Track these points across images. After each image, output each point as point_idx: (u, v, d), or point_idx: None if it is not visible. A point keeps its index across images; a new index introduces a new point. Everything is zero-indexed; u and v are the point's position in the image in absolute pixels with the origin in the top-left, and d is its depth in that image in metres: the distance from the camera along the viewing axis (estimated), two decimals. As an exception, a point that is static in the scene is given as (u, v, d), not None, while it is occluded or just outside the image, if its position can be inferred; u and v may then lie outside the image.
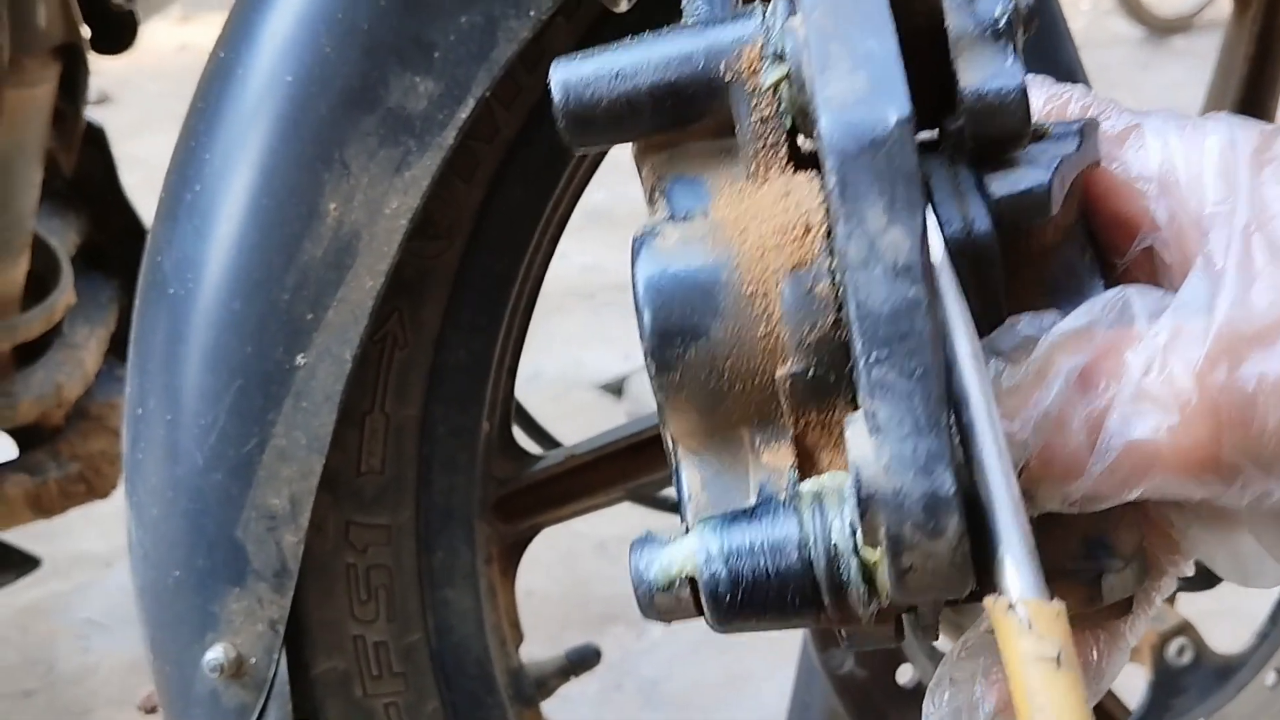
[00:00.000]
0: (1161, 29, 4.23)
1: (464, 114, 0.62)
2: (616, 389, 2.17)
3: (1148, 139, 0.34)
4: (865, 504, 0.27)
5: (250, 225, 0.62)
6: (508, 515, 0.78)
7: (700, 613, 0.31)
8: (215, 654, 0.64)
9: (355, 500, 0.70)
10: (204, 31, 3.58)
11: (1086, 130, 0.33)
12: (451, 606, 0.73)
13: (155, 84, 3.20)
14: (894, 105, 0.28)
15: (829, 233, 0.30)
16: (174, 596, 0.65)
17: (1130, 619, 0.36)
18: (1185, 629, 0.96)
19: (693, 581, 0.30)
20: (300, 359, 0.62)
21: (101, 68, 1.00)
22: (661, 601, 0.31)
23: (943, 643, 0.82)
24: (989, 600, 0.28)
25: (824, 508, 0.30)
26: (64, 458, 1.00)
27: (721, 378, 0.31)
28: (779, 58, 0.31)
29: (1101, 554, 0.33)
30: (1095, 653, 0.36)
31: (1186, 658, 0.95)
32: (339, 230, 0.62)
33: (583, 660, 0.81)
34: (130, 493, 0.67)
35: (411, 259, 0.67)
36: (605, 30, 0.70)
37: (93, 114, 1.03)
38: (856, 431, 0.28)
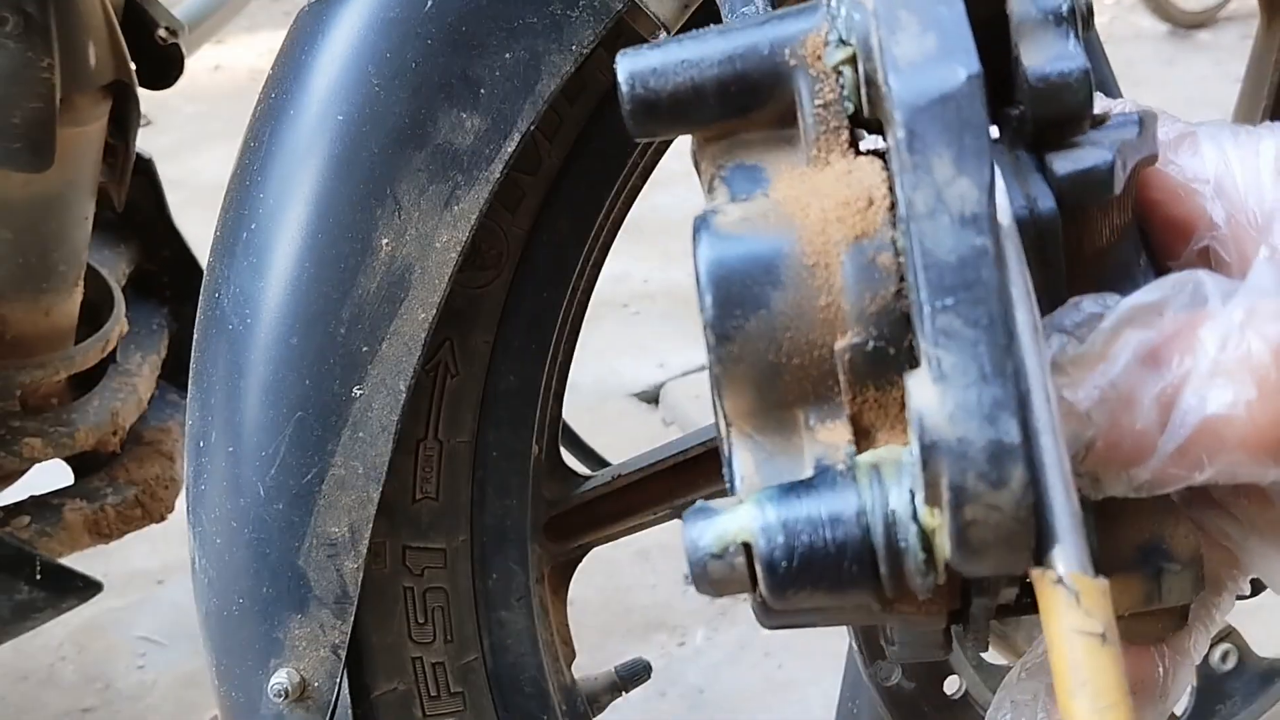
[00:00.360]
0: (1186, 23, 4.19)
1: (510, 148, 0.63)
2: (652, 397, 2.18)
3: (1202, 144, 0.35)
4: (927, 452, 0.27)
5: (306, 261, 0.64)
6: (558, 535, 0.79)
7: (753, 584, 0.30)
8: (280, 679, 0.66)
9: (412, 526, 0.72)
10: (237, 52, 3.62)
11: (1145, 119, 0.34)
12: (507, 627, 0.74)
13: (192, 105, 3.24)
14: (963, 63, 0.28)
15: (892, 206, 0.30)
16: (239, 624, 0.67)
17: (1193, 635, 0.36)
18: (1229, 634, 0.96)
19: (748, 549, 0.29)
20: (357, 391, 0.64)
21: (138, 90, 1.01)
22: (715, 569, 0.30)
23: (991, 655, 0.83)
24: (1035, 572, 0.28)
25: (881, 477, 0.29)
26: (120, 483, 1.03)
27: (780, 350, 0.31)
28: (843, 43, 0.32)
29: (1158, 557, 0.33)
30: (1160, 669, 0.36)
31: (1230, 663, 0.95)
32: (392, 265, 0.63)
33: (634, 676, 0.82)
34: (194, 523, 0.68)
35: (460, 289, 0.69)
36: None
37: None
38: (919, 381, 0.27)
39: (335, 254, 0.63)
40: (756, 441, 0.31)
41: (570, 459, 0.85)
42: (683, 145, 0.81)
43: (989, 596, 0.31)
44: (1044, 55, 0.32)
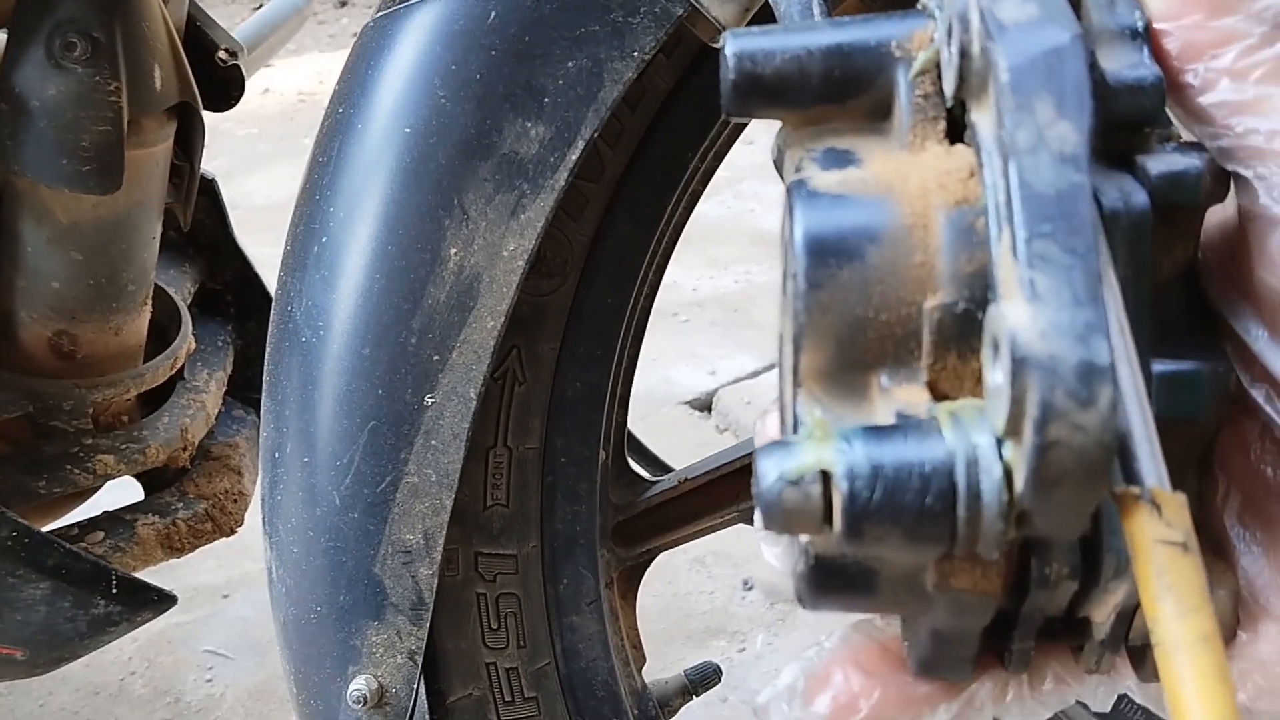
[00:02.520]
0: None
1: (574, 156, 0.64)
2: (705, 405, 2.18)
3: None
4: (1017, 367, 0.27)
5: (376, 273, 0.65)
6: (626, 540, 0.80)
7: (826, 519, 0.29)
8: (358, 686, 0.67)
9: (484, 533, 0.72)
10: (285, 75, 3.67)
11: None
12: (578, 631, 0.75)
13: (243, 128, 3.28)
14: (1066, 26, 0.30)
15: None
16: (317, 632, 0.68)
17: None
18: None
19: (826, 479, 0.29)
20: (428, 399, 0.65)
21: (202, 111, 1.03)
22: (789, 497, 0.29)
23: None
24: (1119, 489, 0.28)
25: (962, 422, 0.29)
26: (191, 498, 1.04)
27: (870, 303, 0.31)
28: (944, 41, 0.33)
29: None
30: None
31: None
32: (460, 275, 0.64)
33: (704, 679, 0.82)
34: (270, 533, 0.69)
35: (527, 297, 0.70)
36: (705, 66, 0.72)
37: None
38: (1012, 303, 0.28)
39: (405, 265, 0.64)
40: (825, 405, 0.31)
41: (635, 465, 0.86)
42: (734, 156, 0.80)
43: (1048, 589, 0.31)
44: (1119, 63, 0.32)
